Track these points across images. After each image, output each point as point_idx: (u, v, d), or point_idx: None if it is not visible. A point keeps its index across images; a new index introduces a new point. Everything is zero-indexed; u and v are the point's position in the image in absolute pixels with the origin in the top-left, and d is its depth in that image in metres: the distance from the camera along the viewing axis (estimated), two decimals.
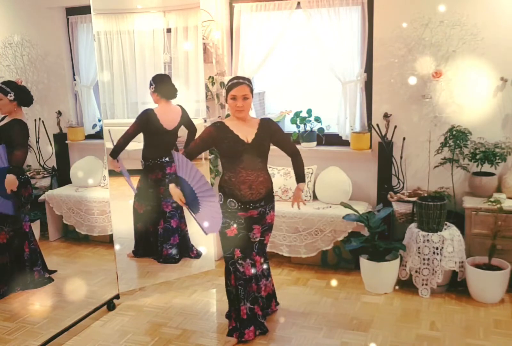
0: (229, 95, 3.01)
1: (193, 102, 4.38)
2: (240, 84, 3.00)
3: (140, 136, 4.10)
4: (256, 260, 3.21)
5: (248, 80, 3.08)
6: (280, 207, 4.21)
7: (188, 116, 4.17)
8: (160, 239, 4.25)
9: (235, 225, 3.09)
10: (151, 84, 4.02)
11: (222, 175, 3.14)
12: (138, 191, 4.19)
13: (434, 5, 3.85)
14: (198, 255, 4.37)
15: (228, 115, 4.60)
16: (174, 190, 3.06)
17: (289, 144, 3.33)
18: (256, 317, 3.22)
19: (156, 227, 4.25)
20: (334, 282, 3.98)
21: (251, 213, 3.12)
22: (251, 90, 3.07)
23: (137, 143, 4.49)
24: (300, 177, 3.34)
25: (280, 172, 4.44)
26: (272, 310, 3.50)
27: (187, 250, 4.36)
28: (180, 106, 4.15)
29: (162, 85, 4.02)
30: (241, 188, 3.04)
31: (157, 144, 4.09)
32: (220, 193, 3.12)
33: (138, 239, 4.29)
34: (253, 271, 3.18)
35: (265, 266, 3.37)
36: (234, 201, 3.07)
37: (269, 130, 3.14)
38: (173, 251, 4.25)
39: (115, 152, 3.95)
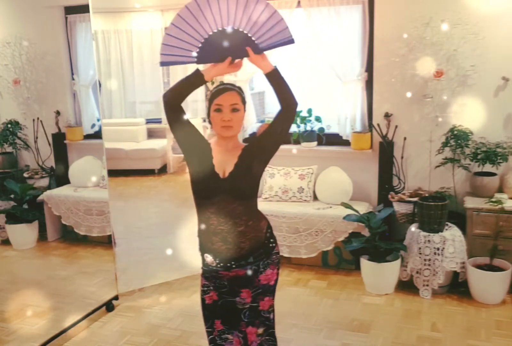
0: (213, 106, 2.15)
1: (191, 102, 4.37)
2: (227, 91, 2.15)
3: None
4: (247, 332, 2.30)
5: (239, 88, 2.21)
6: (280, 207, 4.21)
7: None
8: None
9: (214, 290, 2.29)
10: None
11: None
12: None
13: (435, 4, 3.84)
14: None
15: None
16: None
17: (270, 128, 2.19)
18: None
19: None
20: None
21: (237, 272, 2.23)
22: (243, 101, 2.18)
23: (135, 143, 4.49)
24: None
25: (280, 172, 4.42)
26: None
27: None
28: None
29: None
30: (213, 240, 2.18)
31: None
32: (199, 241, 2.30)
33: None
34: None
35: (266, 337, 2.35)
36: (210, 256, 2.22)
37: (252, 151, 2.20)
38: None
39: None
